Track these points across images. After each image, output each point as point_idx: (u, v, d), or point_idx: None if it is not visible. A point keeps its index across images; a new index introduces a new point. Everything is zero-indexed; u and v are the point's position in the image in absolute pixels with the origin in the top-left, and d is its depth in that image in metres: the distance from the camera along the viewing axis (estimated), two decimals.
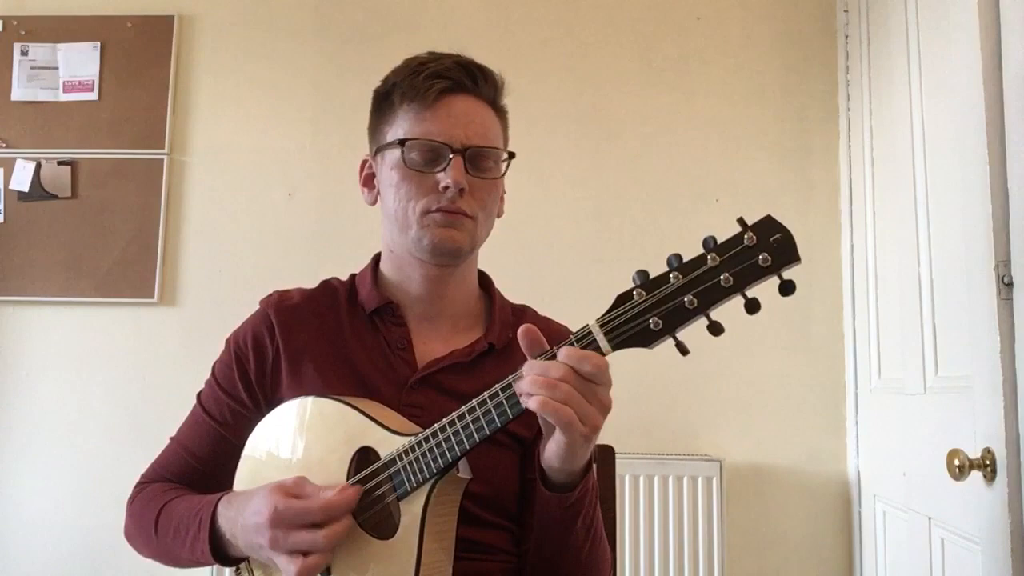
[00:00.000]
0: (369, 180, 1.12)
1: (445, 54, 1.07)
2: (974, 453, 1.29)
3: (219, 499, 0.97)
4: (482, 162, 1.04)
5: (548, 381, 0.80)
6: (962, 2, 1.40)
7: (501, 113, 1.10)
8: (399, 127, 1.04)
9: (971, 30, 1.36)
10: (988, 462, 1.26)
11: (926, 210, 1.69)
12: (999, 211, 1.27)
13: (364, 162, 1.13)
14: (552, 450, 0.87)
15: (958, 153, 1.45)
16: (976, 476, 1.29)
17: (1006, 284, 1.25)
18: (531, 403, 0.81)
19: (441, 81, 1.02)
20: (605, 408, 0.83)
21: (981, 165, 1.30)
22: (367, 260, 1.17)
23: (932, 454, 1.56)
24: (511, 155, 1.08)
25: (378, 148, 1.08)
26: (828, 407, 2.24)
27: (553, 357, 0.82)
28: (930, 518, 1.65)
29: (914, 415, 1.74)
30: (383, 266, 1.13)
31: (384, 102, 1.07)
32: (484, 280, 1.18)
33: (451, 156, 1.00)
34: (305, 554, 0.87)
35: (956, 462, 1.29)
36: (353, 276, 1.16)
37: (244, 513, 0.91)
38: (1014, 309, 1.24)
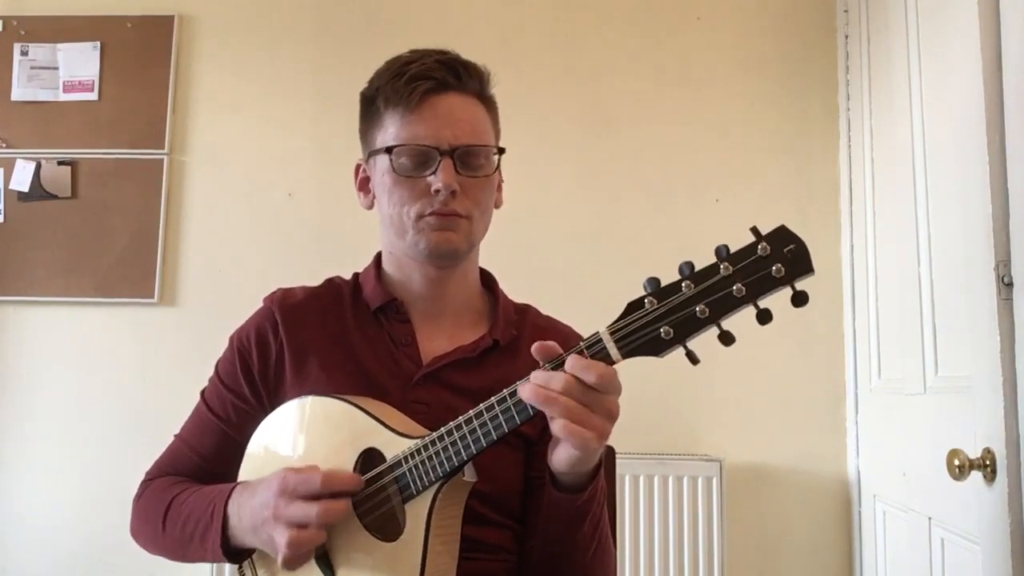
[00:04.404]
0: (364, 184, 1.12)
1: (427, 52, 1.05)
2: (974, 453, 1.29)
3: (232, 488, 0.97)
4: (472, 160, 1.03)
5: (548, 395, 0.80)
6: (962, 2, 1.40)
7: (489, 105, 1.08)
8: (386, 132, 1.03)
9: (971, 30, 1.36)
10: (988, 462, 1.26)
11: (926, 210, 1.69)
12: (999, 211, 1.27)
13: (358, 166, 1.13)
14: (562, 458, 0.87)
15: (958, 153, 1.45)
16: (976, 476, 1.29)
17: (1006, 284, 1.25)
18: (553, 425, 0.81)
19: (424, 82, 1.01)
20: (612, 415, 0.82)
21: (981, 165, 1.30)
22: (367, 260, 1.17)
23: (932, 454, 1.56)
24: (501, 150, 1.07)
25: (370, 153, 1.08)
26: (828, 407, 2.24)
27: (562, 363, 0.82)
28: (930, 518, 1.65)
29: (914, 415, 1.74)
30: (385, 265, 1.13)
31: (370, 106, 1.07)
32: (487, 278, 1.18)
33: (440, 158, 1.00)
34: (300, 528, 0.87)
35: (956, 462, 1.29)
36: (356, 274, 1.17)
37: (256, 492, 0.93)
38: (1014, 309, 1.24)
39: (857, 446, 2.17)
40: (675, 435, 2.24)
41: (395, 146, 1.01)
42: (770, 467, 2.23)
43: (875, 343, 2.06)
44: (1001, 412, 1.24)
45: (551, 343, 0.83)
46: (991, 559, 1.28)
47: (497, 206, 1.11)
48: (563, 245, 2.32)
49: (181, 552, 1.03)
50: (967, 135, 1.37)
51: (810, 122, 2.34)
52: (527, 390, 0.81)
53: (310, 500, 0.88)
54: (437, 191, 1.00)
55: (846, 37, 2.29)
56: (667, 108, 2.37)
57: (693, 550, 2.08)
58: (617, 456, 1.27)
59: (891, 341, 1.95)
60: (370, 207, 1.11)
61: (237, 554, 0.98)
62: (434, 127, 1.00)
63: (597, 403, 0.80)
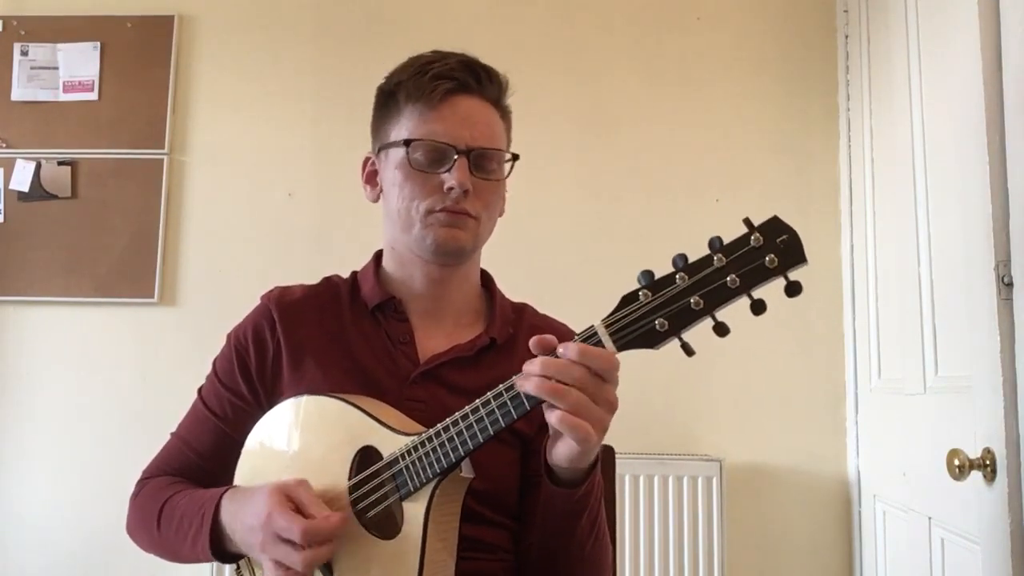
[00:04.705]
0: (371, 177, 1.12)
1: (450, 53, 1.07)
2: (974, 453, 1.29)
3: (223, 493, 0.97)
4: (486, 163, 1.04)
5: (556, 387, 0.79)
6: (962, 2, 1.40)
7: (505, 114, 1.10)
8: (403, 126, 1.04)
9: (971, 30, 1.36)
10: (988, 462, 1.26)
11: (926, 210, 1.69)
12: (999, 211, 1.27)
13: (367, 159, 1.13)
14: (562, 453, 0.87)
15: (958, 153, 1.45)
16: (976, 476, 1.29)
17: (1006, 284, 1.25)
18: (551, 417, 0.80)
19: (447, 82, 1.02)
20: (612, 407, 0.82)
21: (981, 165, 1.30)
22: (367, 260, 1.17)
23: (932, 454, 1.56)
24: (515, 157, 1.08)
25: (381, 146, 1.08)
26: (828, 407, 2.24)
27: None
28: (930, 518, 1.65)
29: (914, 415, 1.74)
30: (385, 263, 1.13)
31: (389, 100, 1.07)
32: (485, 278, 1.18)
33: (456, 157, 1.01)
34: (286, 570, 0.87)
35: (956, 462, 1.29)
36: (355, 273, 1.17)
37: (245, 510, 0.92)
38: (1014, 309, 1.24)
39: (857, 446, 2.17)
40: (675, 435, 2.24)
41: (413, 139, 1.02)
42: (770, 467, 2.23)
43: (875, 343, 2.06)
44: (1001, 412, 1.24)
45: (549, 336, 0.83)
46: (991, 559, 1.28)
47: (500, 214, 1.12)
48: (563, 245, 2.32)
49: (175, 553, 1.03)
50: (967, 135, 1.37)
51: (810, 122, 2.34)
52: (533, 382, 0.80)
53: (295, 546, 0.86)
54: (450, 189, 1.00)
55: (846, 37, 2.29)
56: (667, 108, 2.37)
57: (693, 550, 2.07)
58: (617, 456, 1.26)
59: (891, 341, 1.95)
60: (376, 200, 1.12)
61: (234, 556, 0.98)
62: (453, 126, 1.01)
63: (601, 393, 0.80)
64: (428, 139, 1.01)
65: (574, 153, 2.36)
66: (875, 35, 2.08)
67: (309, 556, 0.86)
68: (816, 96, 2.34)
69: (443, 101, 1.02)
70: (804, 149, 2.33)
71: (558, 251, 2.32)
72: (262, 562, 0.89)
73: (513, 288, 1.20)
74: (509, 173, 1.08)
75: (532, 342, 0.83)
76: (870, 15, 2.12)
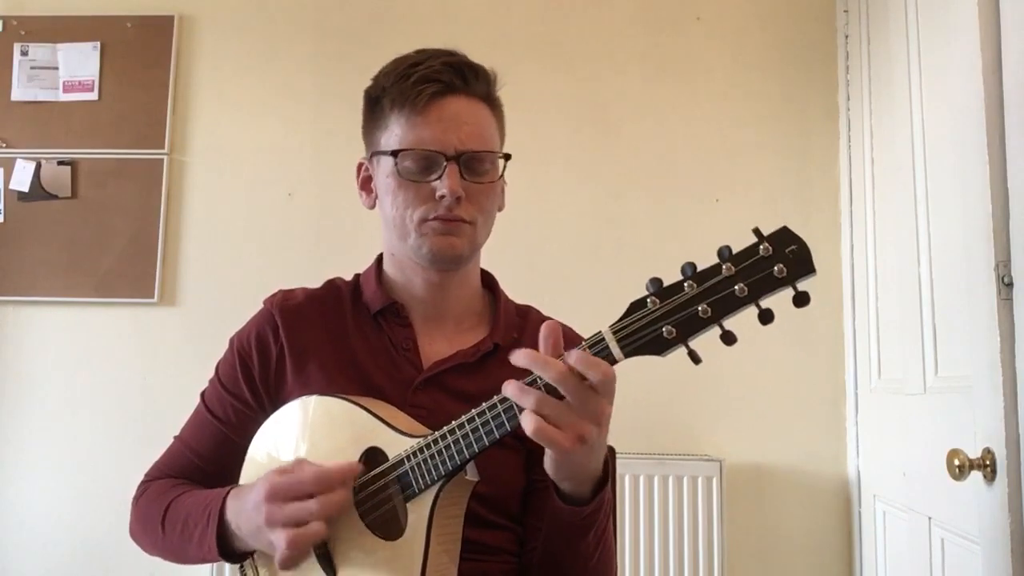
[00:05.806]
0: (366, 183, 1.11)
1: (434, 53, 1.04)
2: (974, 453, 1.29)
3: (228, 492, 0.97)
4: (477, 166, 1.02)
5: (522, 388, 0.79)
6: (962, 2, 1.40)
7: (495, 107, 1.07)
8: (391, 134, 1.02)
9: (971, 30, 1.36)
10: (988, 462, 1.26)
11: (926, 210, 1.69)
12: (999, 211, 1.27)
13: (360, 165, 1.11)
14: (547, 465, 0.86)
15: (958, 153, 1.45)
16: (976, 476, 1.29)
17: (1006, 284, 1.25)
18: (523, 421, 0.80)
19: (432, 85, 0.99)
20: (599, 420, 0.80)
21: (981, 165, 1.30)
22: (367, 260, 1.16)
23: (932, 454, 1.56)
24: (507, 157, 1.05)
25: (373, 153, 1.07)
26: (828, 407, 2.24)
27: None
28: (930, 518, 1.65)
29: (914, 415, 1.75)
30: (386, 267, 1.13)
31: (375, 106, 1.05)
32: (488, 279, 1.17)
33: (445, 164, 0.99)
34: (298, 526, 0.86)
35: (956, 462, 1.29)
36: (357, 276, 1.16)
37: (246, 501, 0.92)
38: (1014, 309, 1.24)
39: (857, 446, 2.17)
40: (675, 435, 2.24)
41: (400, 150, 1.00)
42: (770, 467, 2.23)
43: (875, 343, 2.06)
44: (1001, 412, 1.24)
45: (553, 323, 0.82)
46: (991, 559, 1.28)
47: (500, 209, 1.10)
48: (563, 246, 2.32)
49: (180, 554, 1.03)
50: (967, 135, 1.37)
51: (810, 122, 2.34)
52: (511, 385, 0.80)
53: (305, 499, 0.87)
54: (442, 196, 0.98)
55: (846, 37, 2.29)
56: (667, 108, 2.37)
57: (693, 550, 2.08)
58: (617, 456, 1.26)
59: (891, 341, 1.95)
60: (372, 207, 1.10)
61: (241, 555, 0.98)
62: (440, 131, 0.99)
63: (589, 404, 0.79)
64: (416, 147, 0.99)
65: (574, 153, 2.36)
66: (875, 35, 2.08)
67: (324, 501, 0.86)
68: (816, 96, 2.34)
69: (429, 105, 0.99)
70: (804, 149, 2.33)
71: (558, 252, 2.32)
72: (270, 538, 0.88)
73: (514, 288, 1.20)
74: (502, 172, 1.06)
75: (543, 329, 0.81)
76: (870, 15, 2.12)
